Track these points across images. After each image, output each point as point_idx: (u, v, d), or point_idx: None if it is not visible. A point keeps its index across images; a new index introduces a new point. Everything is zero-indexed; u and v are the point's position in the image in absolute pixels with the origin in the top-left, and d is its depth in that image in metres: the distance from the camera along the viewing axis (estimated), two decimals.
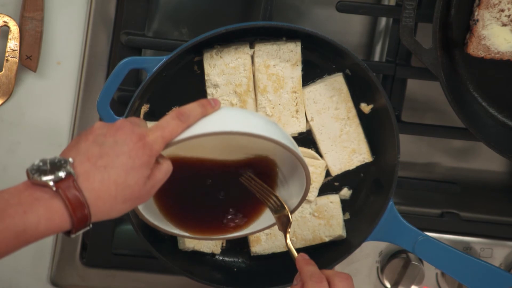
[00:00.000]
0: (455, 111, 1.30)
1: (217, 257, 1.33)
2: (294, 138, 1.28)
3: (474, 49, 1.31)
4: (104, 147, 1.00)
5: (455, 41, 1.33)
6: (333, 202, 1.31)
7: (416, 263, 1.37)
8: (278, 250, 1.32)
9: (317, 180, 1.29)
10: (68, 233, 0.99)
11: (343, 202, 1.32)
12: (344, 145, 1.29)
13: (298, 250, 1.31)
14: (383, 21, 1.43)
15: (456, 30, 1.33)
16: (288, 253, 1.21)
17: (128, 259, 1.40)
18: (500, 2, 1.28)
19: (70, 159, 0.99)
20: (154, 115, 1.26)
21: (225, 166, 1.18)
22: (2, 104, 1.32)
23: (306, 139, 1.29)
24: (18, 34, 1.29)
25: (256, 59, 1.25)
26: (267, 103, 1.26)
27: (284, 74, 1.26)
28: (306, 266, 1.13)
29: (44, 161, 0.99)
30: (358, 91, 1.28)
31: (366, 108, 1.29)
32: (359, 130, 1.29)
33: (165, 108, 1.27)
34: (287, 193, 1.20)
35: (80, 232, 0.99)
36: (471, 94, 1.36)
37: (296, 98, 1.27)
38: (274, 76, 1.26)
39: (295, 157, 1.13)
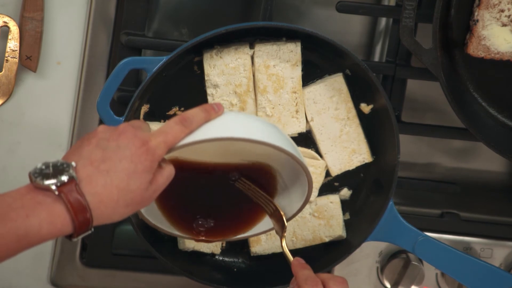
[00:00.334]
0: (455, 111, 1.30)
1: (217, 257, 1.33)
2: (294, 138, 1.28)
3: (474, 49, 1.31)
4: (106, 151, 1.00)
5: (455, 41, 1.33)
6: (333, 202, 1.31)
7: (416, 263, 1.37)
8: (278, 250, 1.32)
9: (317, 180, 1.29)
10: (69, 237, 0.99)
11: (343, 202, 1.32)
12: (344, 145, 1.29)
13: (298, 250, 1.32)
14: (383, 21, 1.43)
15: (456, 30, 1.33)
16: None
17: (128, 259, 1.40)
18: (500, 2, 1.28)
19: (73, 163, 0.99)
20: (154, 115, 1.26)
21: (227, 170, 1.18)
22: (2, 104, 1.32)
23: (306, 139, 1.29)
24: (18, 34, 1.29)
25: (256, 59, 1.25)
26: (267, 103, 1.26)
27: (284, 74, 1.26)
28: (301, 270, 1.13)
29: (46, 165, 0.99)
30: (358, 91, 1.28)
31: (366, 108, 1.29)
32: (359, 130, 1.29)
33: (165, 108, 1.27)
34: (288, 199, 1.20)
35: (82, 236, 0.99)
36: (471, 94, 1.36)
37: (296, 98, 1.27)
38: (274, 76, 1.26)
39: (298, 164, 1.13)
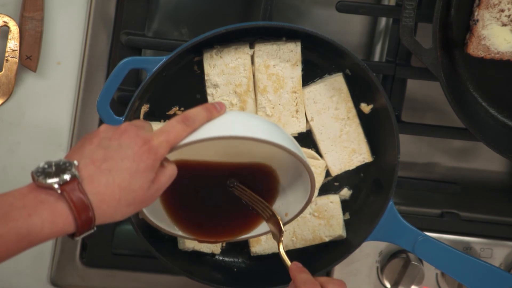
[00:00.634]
0: (455, 111, 1.30)
1: (217, 257, 1.33)
2: (294, 138, 1.28)
3: (474, 49, 1.31)
4: (109, 150, 1.00)
5: (455, 41, 1.33)
6: (333, 202, 1.31)
7: (416, 263, 1.37)
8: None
9: (317, 180, 1.29)
10: (72, 235, 0.99)
11: (343, 202, 1.32)
12: (344, 145, 1.29)
13: (298, 250, 1.32)
14: (383, 21, 1.43)
15: (456, 30, 1.33)
16: (288, 253, 1.22)
17: (128, 259, 1.40)
18: (500, 2, 1.28)
19: (75, 162, 0.99)
20: (154, 115, 1.26)
21: (229, 170, 1.18)
22: (2, 104, 1.32)
23: (306, 139, 1.29)
24: (18, 34, 1.29)
25: (256, 59, 1.25)
26: (267, 103, 1.26)
27: (284, 74, 1.26)
28: (300, 274, 1.13)
29: (49, 164, 0.99)
30: (358, 91, 1.29)
31: (366, 108, 1.29)
32: (359, 130, 1.29)
33: (165, 108, 1.27)
34: (289, 200, 1.20)
35: (84, 235, 0.99)
36: (471, 94, 1.36)
37: (296, 98, 1.27)
38: (274, 76, 1.26)
39: (300, 163, 1.12)
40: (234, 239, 1.23)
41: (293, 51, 1.26)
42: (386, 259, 1.40)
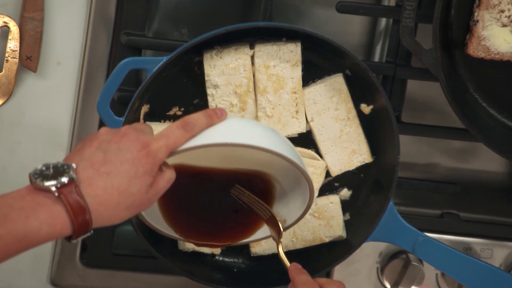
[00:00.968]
0: (455, 111, 1.30)
1: (217, 257, 1.33)
2: (294, 138, 1.28)
3: (474, 49, 1.31)
4: (108, 153, 1.00)
5: (455, 42, 1.33)
6: (333, 202, 1.31)
7: (416, 264, 1.37)
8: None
9: (317, 180, 1.29)
10: (68, 238, 0.99)
11: (343, 202, 1.32)
12: (344, 146, 1.29)
13: (298, 251, 1.32)
14: (383, 21, 1.43)
15: (456, 30, 1.33)
16: (288, 254, 1.22)
17: (128, 259, 1.40)
18: (500, 3, 1.28)
19: (73, 165, 0.99)
20: (154, 115, 1.26)
21: (228, 176, 1.18)
22: (2, 104, 1.32)
23: (306, 139, 1.29)
24: (18, 34, 1.29)
25: (256, 60, 1.25)
26: (267, 103, 1.26)
27: (284, 75, 1.26)
28: (299, 275, 1.13)
29: (47, 166, 0.99)
30: (358, 91, 1.28)
31: (366, 108, 1.29)
32: (359, 130, 1.29)
33: (165, 109, 1.27)
34: (288, 206, 1.20)
35: (81, 238, 0.99)
36: (471, 94, 1.36)
37: (296, 98, 1.27)
38: (274, 77, 1.26)
39: (299, 172, 1.12)
40: (233, 244, 1.23)
41: (293, 51, 1.25)
42: (386, 260, 1.40)
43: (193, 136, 1.07)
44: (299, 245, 1.32)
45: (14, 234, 0.94)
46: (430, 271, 1.40)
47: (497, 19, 1.29)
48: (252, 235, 1.22)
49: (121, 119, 1.21)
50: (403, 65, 1.35)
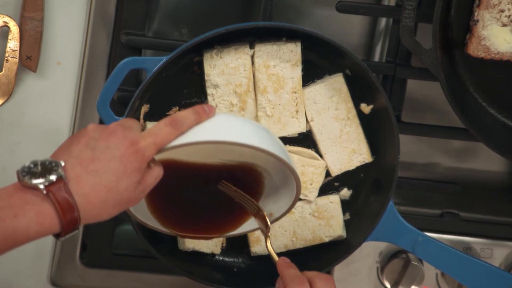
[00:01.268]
0: (455, 111, 1.30)
1: (217, 257, 1.33)
2: (294, 138, 1.28)
3: (474, 49, 1.31)
4: (96, 151, 1.00)
5: (455, 42, 1.33)
6: (333, 202, 1.31)
7: (416, 263, 1.37)
8: (278, 251, 1.32)
9: (317, 180, 1.29)
10: (57, 235, 0.98)
11: (343, 202, 1.32)
12: (344, 146, 1.29)
13: (298, 250, 1.32)
14: (383, 21, 1.43)
15: (456, 30, 1.33)
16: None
17: (128, 259, 1.40)
18: (500, 2, 1.28)
19: (62, 162, 0.99)
20: (154, 115, 1.26)
21: (216, 170, 1.18)
22: (2, 104, 1.32)
23: (306, 139, 1.29)
24: (18, 34, 1.29)
25: (256, 60, 1.25)
26: (267, 103, 1.26)
27: (284, 74, 1.26)
28: (287, 270, 1.13)
29: (35, 163, 0.98)
30: (358, 91, 1.28)
31: (366, 108, 1.29)
32: (359, 130, 1.29)
33: (165, 108, 1.27)
34: (276, 199, 1.20)
35: (69, 235, 0.99)
36: (471, 94, 1.36)
37: (296, 98, 1.27)
38: (274, 76, 1.26)
39: (286, 167, 1.13)
40: (221, 236, 1.23)
41: (293, 51, 1.25)
42: (386, 259, 1.40)
43: (182, 133, 1.07)
44: (299, 245, 1.32)
45: (2, 233, 0.94)
46: (430, 271, 1.40)
47: (497, 19, 1.29)
48: (240, 226, 1.22)
49: (121, 119, 1.21)
50: (403, 65, 1.35)
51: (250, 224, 1.22)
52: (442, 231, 1.42)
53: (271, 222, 1.19)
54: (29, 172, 0.97)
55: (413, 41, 1.28)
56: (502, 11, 1.29)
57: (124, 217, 1.24)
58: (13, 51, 1.30)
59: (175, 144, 1.06)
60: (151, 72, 1.20)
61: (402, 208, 1.43)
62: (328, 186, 1.32)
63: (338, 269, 1.39)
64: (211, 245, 1.32)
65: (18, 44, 1.30)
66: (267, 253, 1.32)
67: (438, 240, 1.29)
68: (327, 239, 1.32)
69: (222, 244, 1.33)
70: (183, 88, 1.27)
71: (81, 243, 1.39)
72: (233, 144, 1.08)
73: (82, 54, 1.33)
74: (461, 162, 1.50)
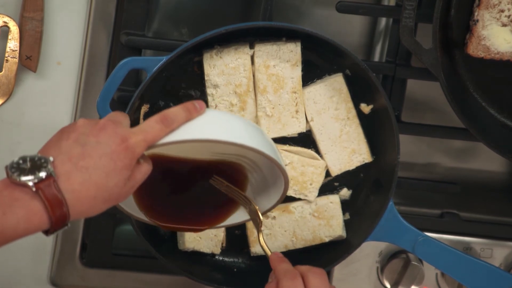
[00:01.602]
0: (455, 111, 1.30)
1: (217, 257, 1.33)
2: (294, 138, 1.28)
3: (474, 49, 1.31)
4: (86, 147, 1.00)
5: (455, 41, 1.33)
6: (333, 202, 1.31)
7: (416, 263, 1.37)
8: (278, 251, 1.32)
9: (317, 180, 1.29)
10: (45, 232, 0.98)
11: (343, 202, 1.32)
12: (344, 146, 1.29)
13: (298, 250, 1.32)
14: (383, 21, 1.43)
15: (456, 30, 1.33)
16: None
17: (128, 259, 1.40)
18: (500, 2, 1.28)
19: (51, 158, 0.98)
20: (154, 115, 1.26)
21: (204, 165, 1.18)
22: (2, 104, 1.32)
23: (306, 139, 1.29)
24: (18, 34, 1.29)
25: (256, 60, 1.25)
26: (267, 103, 1.26)
27: (284, 74, 1.26)
28: (280, 264, 1.13)
29: (24, 159, 0.98)
30: (358, 91, 1.28)
31: (366, 108, 1.29)
32: (359, 130, 1.29)
33: (165, 108, 1.26)
34: (266, 194, 1.20)
35: (58, 231, 0.98)
36: (471, 94, 1.36)
37: (296, 98, 1.27)
38: (274, 77, 1.26)
39: (273, 164, 1.13)
40: (210, 227, 1.23)
41: (293, 51, 1.25)
42: (386, 259, 1.40)
43: (172, 131, 1.07)
44: (299, 245, 1.32)
45: None
46: (430, 271, 1.40)
47: (497, 19, 1.29)
48: (228, 217, 1.22)
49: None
50: (403, 64, 1.35)
51: (239, 216, 1.22)
52: (442, 231, 1.42)
53: (262, 214, 1.19)
54: (18, 168, 0.97)
55: (413, 41, 1.28)
56: (502, 11, 1.29)
57: (124, 217, 1.24)
58: (13, 51, 1.30)
59: (165, 141, 1.06)
60: (151, 72, 1.20)
61: (402, 208, 1.43)
62: (328, 186, 1.32)
63: (338, 269, 1.39)
64: (211, 245, 1.32)
65: (18, 44, 1.30)
66: None
67: (438, 240, 1.29)
68: (327, 239, 1.32)
69: (222, 244, 1.33)
70: (183, 88, 1.27)
71: (81, 243, 1.39)
72: (221, 142, 1.08)
73: (82, 54, 1.33)
74: (461, 162, 1.50)
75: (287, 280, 1.09)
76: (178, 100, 1.27)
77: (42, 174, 0.96)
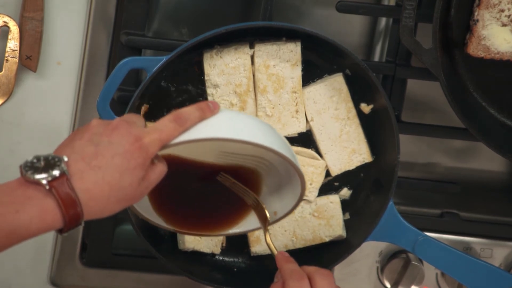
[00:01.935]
0: (455, 111, 1.30)
1: (217, 257, 1.33)
2: (294, 138, 1.28)
3: (474, 49, 1.31)
4: (99, 147, 1.00)
5: (455, 41, 1.33)
6: (333, 202, 1.31)
7: (416, 263, 1.37)
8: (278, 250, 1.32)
9: (317, 180, 1.29)
10: (59, 231, 0.98)
11: (343, 202, 1.32)
12: (344, 145, 1.29)
13: (298, 250, 1.31)
14: (383, 21, 1.43)
15: (456, 30, 1.33)
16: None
17: (128, 259, 1.40)
18: (500, 2, 1.29)
19: (65, 157, 0.98)
20: (154, 115, 1.26)
21: (216, 168, 1.18)
22: (2, 104, 1.32)
23: (306, 139, 1.29)
24: (18, 34, 1.29)
25: (256, 59, 1.25)
26: (267, 103, 1.26)
27: (284, 74, 1.26)
28: (286, 264, 1.12)
29: (38, 158, 0.98)
30: (358, 91, 1.29)
31: (366, 108, 1.29)
32: (359, 130, 1.29)
33: (165, 108, 1.27)
34: (280, 198, 1.19)
35: (71, 230, 0.98)
36: (471, 94, 1.36)
37: (296, 98, 1.27)
38: (274, 76, 1.26)
39: (291, 166, 1.12)
40: (223, 234, 1.23)
41: (293, 51, 1.26)
42: (386, 259, 1.40)
43: (186, 130, 1.06)
44: (299, 245, 1.32)
45: (4, 228, 0.93)
46: (430, 271, 1.40)
47: (497, 19, 1.29)
48: (240, 223, 1.22)
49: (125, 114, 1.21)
50: (403, 64, 1.35)
51: (251, 223, 1.22)
52: (442, 231, 1.42)
53: (274, 221, 1.19)
54: (32, 167, 0.97)
55: (413, 41, 1.28)
56: (502, 10, 1.29)
57: (124, 217, 1.24)
58: (13, 51, 1.30)
59: (179, 140, 1.06)
60: (151, 72, 1.20)
61: (402, 208, 1.43)
62: (328, 186, 1.32)
63: (338, 269, 1.39)
64: (211, 245, 1.32)
65: (18, 44, 1.30)
66: (267, 253, 1.32)
67: (438, 240, 1.29)
68: (327, 239, 1.32)
69: (222, 244, 1.33)
70: (183, 88, 1.27)
71: (81, 243, 1.39)
72: (236, 141, 1.07)
73: (82, 54, 1.33)
74: (461, 162, 1.50)
75: (293, 280, 1.09)
76: (178, 101, 1.27)
77: (56, 172, 0.96)
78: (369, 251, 1.40)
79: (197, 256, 1.32)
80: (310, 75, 1.28)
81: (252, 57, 1.25)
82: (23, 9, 1.29)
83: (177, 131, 1.05)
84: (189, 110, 1.07)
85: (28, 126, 1.35)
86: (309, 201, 1.30)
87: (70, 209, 0.96)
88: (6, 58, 1.30)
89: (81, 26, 1.33)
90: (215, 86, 1.25)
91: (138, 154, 1.01)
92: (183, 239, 1.30)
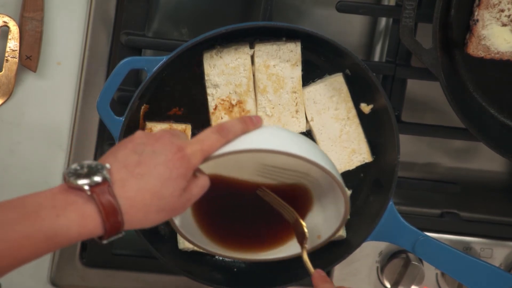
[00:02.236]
0: (455, 111, 1.30)
1: (217, 257, 1.33)
2: None
3: (474, 49, 1.31)
4: (142, 156, 1.00)
5: (455, 41, 1.33)
6: None
7: (416, 263, 1.37)
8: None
9: None
10: (100, 238, 0.98)
11: None
12: (344, 145, 1.29)
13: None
14: (383, 21, 1.43)
15: (456, 30, 1.33)
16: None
17: (128, 259, 1.40)
18: (500, 2, 1.29)
19: (107, 165, 0.98)
20: (154, 115, 1.26)
21: (257, 187, 1.17)
22: (2, 104, 1.32)
23: None
24: (18, 34, 1.29)
25: (256, 59, 1.25)
26: (267, 103, 1.26)
27: (284, 74, 1.26)
28: (323, 284, 1.11)
29: (81, 165, 0.98)
30: (358, 91, 1.29)
31: (366, 108, 1.29)
32: (359, 130, 1.29)
33: (165, 108, 1.27)
34: (323, 217, 1.19)
35: (112, 239, 0.98)
36: (471, 94, 1.36)
37: (296, 98, 1.27)
38: (274, 76, 1.26)
39: (335, 183, 1.11)
40: (265, 258, 1.23)
41: (293, 51, 1.26)
42: (386, 259, 1.40)
43: (228, 142, 1.06)
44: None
45: (44, 233, 0.93)
46: (430, 271, 1.40)
47: (497, 19, 1.29)
48: (280, 248, 1.21)
49: (121, 119, 1.21)
50: (403, 64, 1.35)
51: (292, 248, 1.21)
52: (442, 231, 1.42)
53: (318, 245, 1.19)
54: (75, 173, 0.97)
55: (413, 41, 1.28)
56: (502, 10, 1.29)
57: None
58: (13, 51, 1.30)
59: (222, 152, 1.05)
60: (151, 72, 1.20)
61: (402, 208, 1.43)
62: None
63: (338, 269, 1.40)
64: None
65: (18, 44, 1.30)
66: None
67: (438, 240, 1.29)
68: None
69: None
70: (183, 88, 1.27)
71: (81, 243, 1.39)
72: (279, 153, 1.06)
73: (82, 54, 1.33)
74: (461, 162, 1.50)
75: None
76: (178, 101, 1.27)
77: (98, 179, 0.96)
78: (369, 251, 1.40)
79: (197, 256, 1.32)
80: (310, 75, 1.28)
81: (252, 57, 1.25)
82: (23, 9, 1.29)
83: (220, 143, 1.05)
84: (232, 122, 1.07)
85: (28, 126, 1.35)
86: None
87: (111, 217, 0.96)
88: (6, 58, 1.30)
89: (81, 26, 1.33)
90: (215, 86, 1.25)
91: (180, 163, 1.01)
92: (183, 239, 1.30)
